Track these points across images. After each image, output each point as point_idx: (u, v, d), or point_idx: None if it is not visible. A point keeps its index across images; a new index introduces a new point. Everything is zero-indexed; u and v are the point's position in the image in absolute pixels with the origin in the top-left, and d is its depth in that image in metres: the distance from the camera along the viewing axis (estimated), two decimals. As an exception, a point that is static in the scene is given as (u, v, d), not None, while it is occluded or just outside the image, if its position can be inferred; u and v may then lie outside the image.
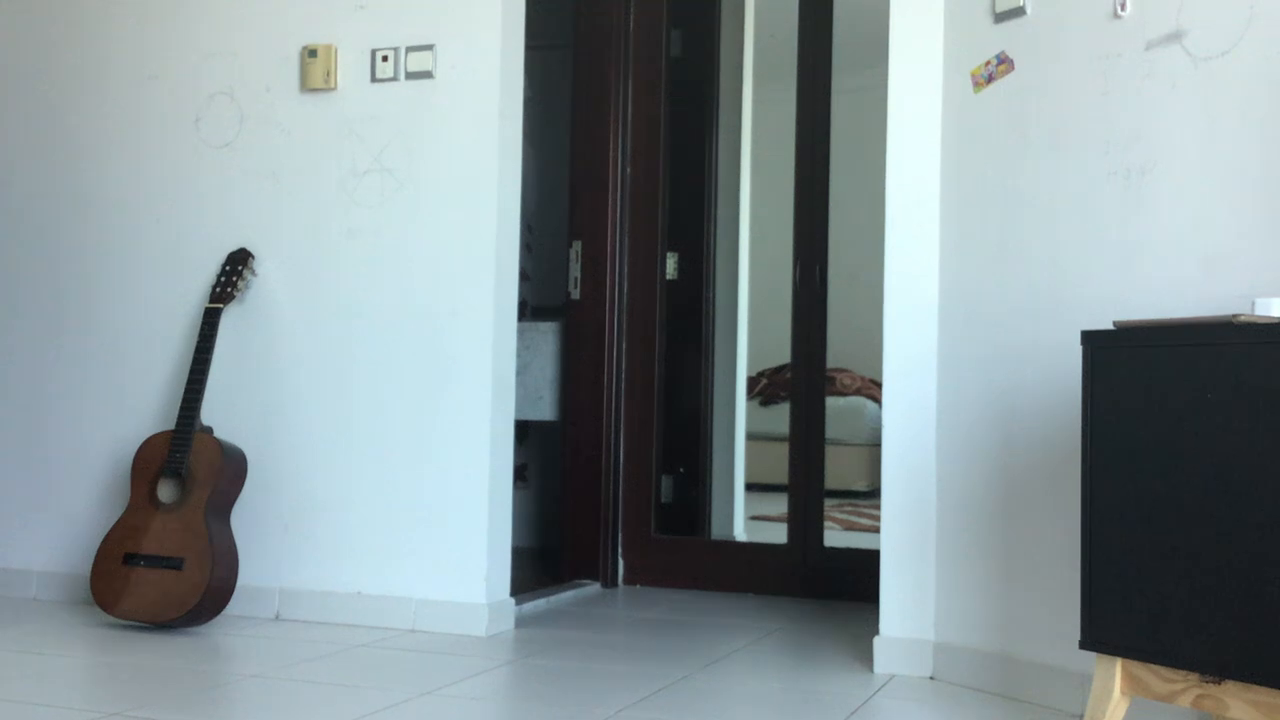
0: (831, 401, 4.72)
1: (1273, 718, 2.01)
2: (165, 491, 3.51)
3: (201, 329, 3.64)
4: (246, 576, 3.62)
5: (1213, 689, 2.09)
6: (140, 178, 3.89)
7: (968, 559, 2.99)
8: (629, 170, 4.40)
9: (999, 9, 2.95)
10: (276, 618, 3.65)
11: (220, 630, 3.46)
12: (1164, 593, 2.13)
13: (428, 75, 3.59)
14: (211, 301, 3.66)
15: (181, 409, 3.55)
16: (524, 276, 4.96)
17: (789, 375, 4.42)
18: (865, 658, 3.19)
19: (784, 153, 4.38)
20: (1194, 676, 2.11)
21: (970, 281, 3.01)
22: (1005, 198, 2.93)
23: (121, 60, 3.93)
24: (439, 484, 3.53)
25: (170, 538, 3.44)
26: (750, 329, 5.18)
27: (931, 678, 3.05)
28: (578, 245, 4.38)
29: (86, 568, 3.79)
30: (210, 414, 3.68)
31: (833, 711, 2.71)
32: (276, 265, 3.73)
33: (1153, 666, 2.18)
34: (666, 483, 4.57)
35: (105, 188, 3.93)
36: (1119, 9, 2.68)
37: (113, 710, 2.61)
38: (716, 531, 4.79)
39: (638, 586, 4.37)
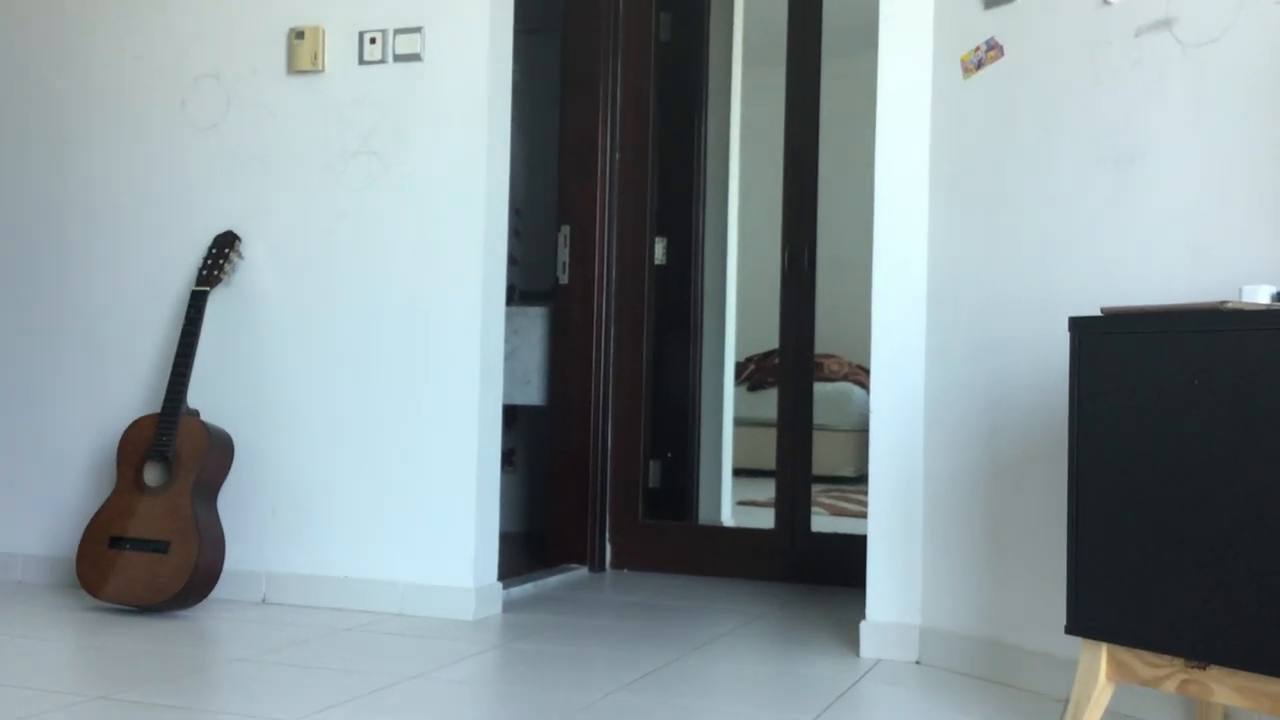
0: (819, 387, 4.71)
1: (1257, 703, 2.02)
2: (151, 475, 3.50)
3: (187, 312, 3.62)
4: (233, 560, 3.61)
5: (1198, 674, 2.10)
6: (126, 160, 3.87)
7: (955, 544, 2.99)
8: (617, 155, 4.39)
9: (989, -5, 2.95)
10: (263, 601, 3.64)
11: (207, 614, 3.45)
12: (1150, 579, 2.14)
13: (416, 58, 3.57)
14: (198, 285, 3.65)
15: (167, 392, 3.54)
16: (512, 261, 4.94)
17: (777, 361, 4.42)
18: (852, 642, 3.20)
19: (773, 137, 4.37)
20: (1179, 662, 2.12)
21: (959, 268, 3.02)
22: (994, 184, 2.93)
23: (106, 41, 3.90)
24: (427, 468, 3.52)
25: (156, 521, 3.43)
26: (739, 314, 5.17)
27: (918, 662, 3.06)
28: (566, 230, 4.37)
29: (72, 551, 3.77)
30: (197, 397, 3.66)
31: (819, 695, 2.72)
32: (263, 248, 3.71)
33: (1138, 652, 2.19)
34: (654, 467, 4.57)
35: (91, 170, 3.91)
36: (1109, -5, 2.68)
37: (99, 693, 2.61)
38: (704, 516, 4.79)
39: (625, 571, 4.37)
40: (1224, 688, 2.06)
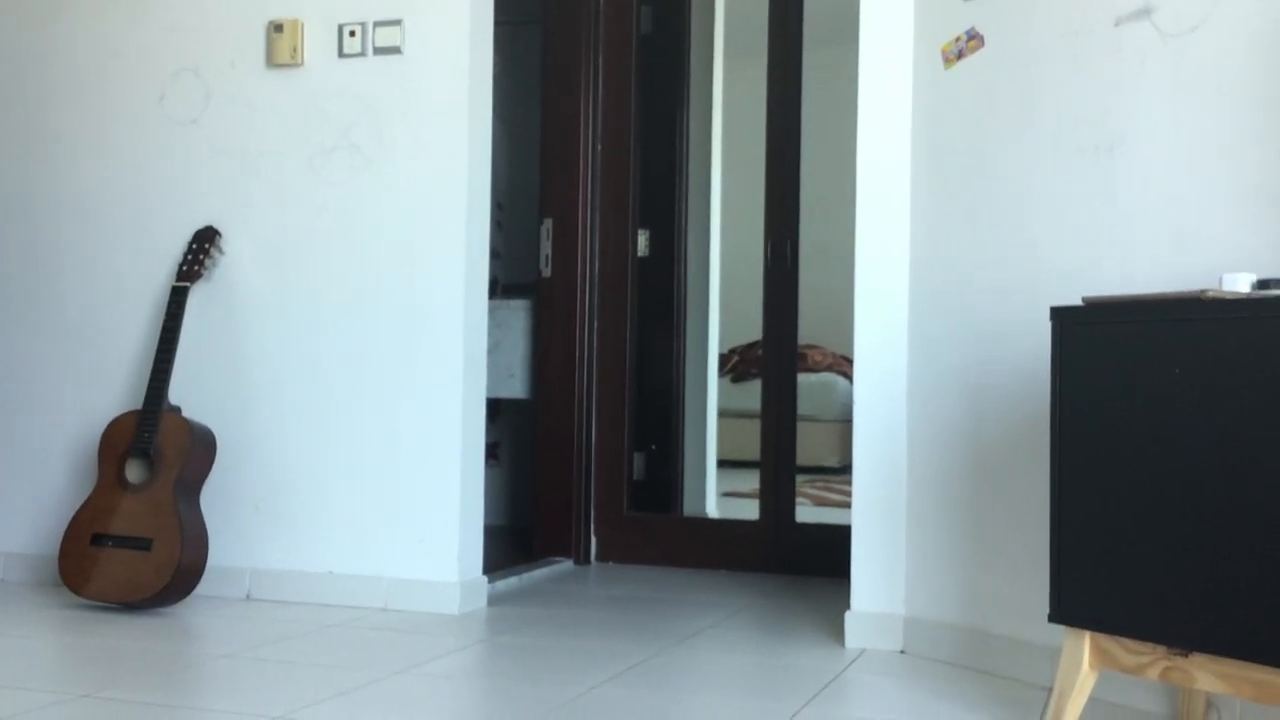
0: (803, 378, 4.72)
1: (1239, 689, 2.03)
2: (133, 472, 3.49)
3: (168, 308, 3.61)
4: (217, 557, 3.60)
5: (1180, 661, 2.11)
6: (105, 155, 3.84)
7: (938, 534, 3.00)
8: (599, 147, 4.38)
9: (969, -16, 2.95)
10: (247, 598, 3.63)
11: (190, 611, 3.44)
12: (1132, 566, 2.15)
13: (396, 50, 3.56)
14: (178, 280, 3.63)
15: (149, 389, 3.53)
16: (495, 254, 4.93)
17: (760, 352, 4.42)
18: (836, 632, 3.21)
19: (755, 129, 4.36)
20: (1162, 649, 2.13)
21: (941, 258, 3.02)
22: (976, 174, 2.94)
23: (84, 36, 3.87)
24: (411, 462, 3.52)
25: (139, 518, 3.41)
26: (722, 306, 5.17)
27: (902, 651, 3.07)
28: (548, 223, 4.36)
29: (54, 549, 3.75)
30: (178, 393, 3.65)
31: (804, 686, 2.73)
32: (244, 243, 3.70)
33: (1121, 639, 2.19)
34: (638, 460, 4.57)
35: (69, 165, 3.88)
36: (1089, -15, 2.68)
37: (82, 692, 2.60)
38: (688, 508, 4.80)
39: (610, 564, 4.37)
40: (1206, 674, 2.07)
